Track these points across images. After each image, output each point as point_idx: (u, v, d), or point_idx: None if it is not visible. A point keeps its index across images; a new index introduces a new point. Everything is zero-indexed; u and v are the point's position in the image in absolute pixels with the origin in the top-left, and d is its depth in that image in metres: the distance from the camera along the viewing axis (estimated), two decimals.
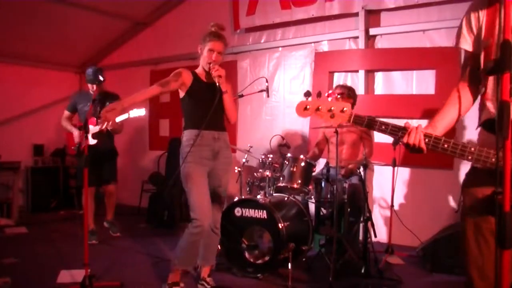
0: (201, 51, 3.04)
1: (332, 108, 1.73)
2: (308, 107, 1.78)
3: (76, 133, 4.51)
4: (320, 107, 1.76)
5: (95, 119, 4.33)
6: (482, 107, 1.65)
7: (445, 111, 1.76)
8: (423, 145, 1.63)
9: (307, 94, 1.83)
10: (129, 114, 4.05)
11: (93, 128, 4.29)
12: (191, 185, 2.97)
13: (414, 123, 1.71)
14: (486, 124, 1.59)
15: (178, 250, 3.07)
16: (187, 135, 3.05)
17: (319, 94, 1.84)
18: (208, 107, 2.87)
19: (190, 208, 2.96)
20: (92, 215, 4.73)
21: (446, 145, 1.59)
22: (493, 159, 1.49)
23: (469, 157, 1.55)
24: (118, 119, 4.10)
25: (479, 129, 1.70)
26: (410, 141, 1.63)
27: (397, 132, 1.66)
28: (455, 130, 4.16)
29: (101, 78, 4.13)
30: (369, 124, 1.70)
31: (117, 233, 4.93)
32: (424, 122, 2.08)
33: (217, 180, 3.13)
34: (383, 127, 1.67)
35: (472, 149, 1.54)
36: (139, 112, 4.03)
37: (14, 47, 6.26)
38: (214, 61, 2.95)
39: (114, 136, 4.82)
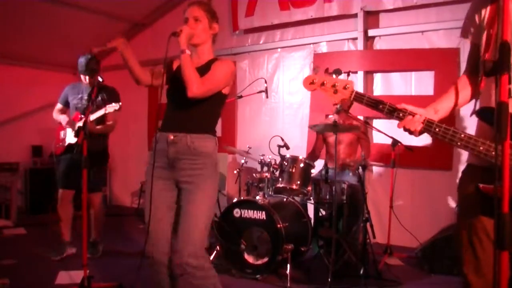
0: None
1: (336, 84, 1.79)
2: (314, 81, 1.84)
3: (63, 120, 3.99)
4: (325, 82, 1.82)
5: (79, 114, 3.91)
6: (478, 96, 1.67)
7: (446, 98, 1.79)
8: (416, 131, 1.66)
9: (315, 69, 1.90)
10: (105, 110, 3.69)
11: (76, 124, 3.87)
12: (145, 205, 2.30)
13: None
14: (480, 113, 1.61)
15: None
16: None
17: (315, 69, 1.90)
18: (168, 104, 2.39)
19: None
20: (68, 225, 4.08)
21: (437, 129, 1.62)
22: (481, 147, 1.53)
23: (459, 143, 1.57)
24: (93, 116, 3.73)
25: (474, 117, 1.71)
26: (406, 126, 1.67)
27: (393, 113, 1.69)
28: (454, 124, 4.17)
29: (94, 68, 3.82)
30: (368, 102, 1.74)
31: (97, 255, 4.13)
32: None
33: (185, 197, 2.26)
34: (380, 106, 1.71)
35: (462, 135, 1.57)
36: (115, 107, 3.70)
37: (12, 48, 6.25)
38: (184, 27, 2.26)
39: (109, 138, 4.27)
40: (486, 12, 1.64)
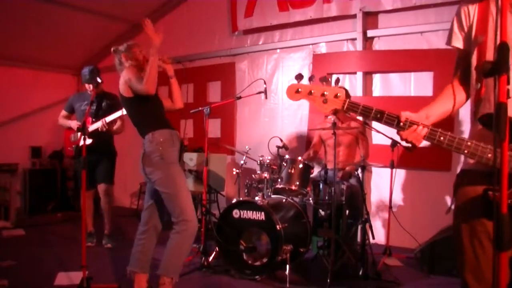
0: (134, 56, 3.42)
1: (326, 93, 1.62)
2: (299, 90, 1.65)
3: (73, 125, 4.37)
4: (312, 91, 1.64)
5: (91, 119, 4.30)
6: (478, 102, 1.62)
7: (438, 103, 1.74)
8: (419, 144, 1.58)
9: (299, 77, 1.69)
10: (122, 111, 3.98)
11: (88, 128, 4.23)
12: (180, 187, 2.95)
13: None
14: (483, 120, 1.57)
15: (175, 259, 2.96)
16: (163, 135, 3.05)
17: (311, 78, 1.70)
18: (160, 106, 3.18)
19: (179, 210, 2.89)
20: (91, 217, 4.63)
21: (442, 138, 1.53)
22: (489, 155, 1.46)
23: (466, 151, 1.50)
24: (110, 118, 4.13)
25: (471, 123, 1.69)
26: (409, 138, 1.58)
27: (393, 121, 1.59)
28: (453, 128, 4.17)
29: (98, 79, 4.04)
30: (363, 111, 1.61)
31: (108, 245, 4.56)
32: None
33: None
34: (378, 115, 1.59)
35: (469, 143, 1.50)
36: (122, 113, 4.05)
37: (11, 49, 6.25)
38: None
39: (114, 137, 4.66)
40: (474, 17, 1.62)
